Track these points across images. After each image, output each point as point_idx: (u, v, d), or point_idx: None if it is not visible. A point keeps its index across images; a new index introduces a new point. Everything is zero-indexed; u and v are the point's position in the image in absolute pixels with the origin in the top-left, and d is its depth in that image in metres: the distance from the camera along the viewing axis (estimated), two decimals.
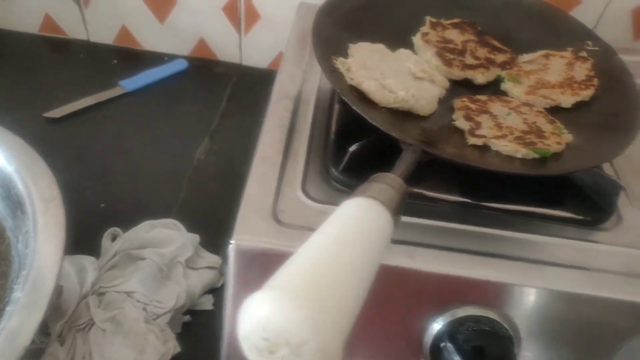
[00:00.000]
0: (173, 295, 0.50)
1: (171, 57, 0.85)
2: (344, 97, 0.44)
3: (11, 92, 0.75)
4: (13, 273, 0.50)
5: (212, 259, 0.56)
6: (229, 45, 0.84)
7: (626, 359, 0.40)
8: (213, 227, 0.59)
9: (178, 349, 0.47)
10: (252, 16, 0.79)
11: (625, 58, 0.69)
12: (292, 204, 0.42)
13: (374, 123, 0.41)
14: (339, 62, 0.48)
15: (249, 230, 0.40)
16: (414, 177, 0.37)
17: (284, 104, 0.52)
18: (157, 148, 0.70)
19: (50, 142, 0.67)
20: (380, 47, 0.52)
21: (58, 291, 0.47)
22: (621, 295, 0.38)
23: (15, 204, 0.49)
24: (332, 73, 0.46)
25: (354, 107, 0.43)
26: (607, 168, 0.49)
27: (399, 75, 0.49)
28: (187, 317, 0.52)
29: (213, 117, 0.76)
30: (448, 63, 0.53)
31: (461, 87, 0.52)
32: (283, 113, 0.51)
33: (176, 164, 0.68)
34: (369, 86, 0.46)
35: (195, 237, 0.56)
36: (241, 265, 0.39)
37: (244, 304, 0.23)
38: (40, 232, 0.45)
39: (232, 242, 0.39)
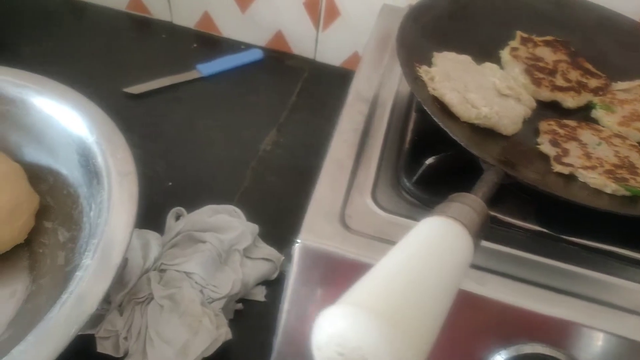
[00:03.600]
0: (229, 281, 0.51)
1: (248, 46, 0.86)
2: (425, 107, 0.42)
3: (95, 66, 0.78)
4: (82, 239, 0.52)
5: (268, 250, 0.56)
6: (305, 40, 0.84)
7: None
8: (272, 220, 0.59)
9: (230, 336, 0.48)
10: (332, 13, 0.79)
11: None
12: (361, 211, 0.41)
13: (454, 137, 0.40)
14: (422, 71, 0.47)
15: (315, 232, 0.39)
16: (495, 200, 0.35)
17: (359, 107, 0.51)
18: (225, 134, 0.72)
19: (128, 117, 0.68)
20: (465, 59, 0.51)
21: (124, 263, 0.49)
22: None
23: (92, 174, 0.51)
24: (415, 81, 0.45)
25: (435, 119, 0.42)
26: None
27: (483, 90, 0.47)
28: (240, 305, 0.53)
29: (282, 110, 0.76)
30: (537, 82, 0.51)
31: (548, 109, 0.50)
32: (357, 116, 0.50)
33: (242, 152, 0.69)
34: (452, 99, 0.44)
35: (254, 227, 0.57)
36: (305, 265, 0.39)
37: (321, 315, 0.23)
38: (113, 204, 0.47)
39: (299, 241, 0.39)
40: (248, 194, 0.65)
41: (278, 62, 0.85)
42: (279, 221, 0.58)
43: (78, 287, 0.42)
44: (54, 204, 0.56)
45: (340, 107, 0.51)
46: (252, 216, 0.59)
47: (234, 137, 0.71)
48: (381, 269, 0.25)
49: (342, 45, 0.83)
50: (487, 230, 0.31)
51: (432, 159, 0.42)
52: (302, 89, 0.80)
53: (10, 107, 0.56)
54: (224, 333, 0.47)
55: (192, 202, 0.59)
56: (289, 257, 0.40)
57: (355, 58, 0.82)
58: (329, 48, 0.84)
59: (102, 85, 0.72)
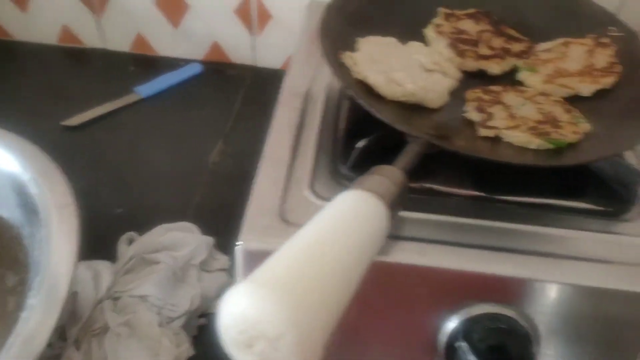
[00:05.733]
0: (187, 298, 0.50)
1: (186, 62, 0.85)
2: (349, 91, 0.43)
3: (31, 103, 0.77)
4: (30, 280, 0.51)
5: (224, 260, 0.55)
6: (242, 47, 0.84)
7: None
8: (228, 229, 0.58)
9: (191, 352, 0.47)
10: (264, 17, 0.79)
11: None
12: (301, 204, 0.41)
13: (379, 117, 0.40)
14: (346, 57, 0.47)
15: (256, 231, 0.39)
16: (425, 171, 0.36)
17: (293, 103, 0.51)
18: (172, 152, 0.71)
19: (69, 149, 0.68)
20: (390, 41, 0.51)
21: (72, 297, 0.48)
22: None
23: (31, 212, 0.50)
24: (338, 67, 0.45)
25: (360, 101, 0.42)
26: (630, 156, 0.47)
27: (408, 68, 0.47)
28: (203, 320, 0.52)
29: (227, 120, 0.76)
30: (461, 54, 0.51)
31: (475, 78, 0.51)
32: (291, 112, 0.50)
33: (191, 168, 0.69)
34: (375, 79, 0.44)
35: (209, 240, 0.56)
36: (248, 267, 0.39)
37: (224, 297, 0.23)
38: (54, 239, 0.46)
39: (239, 243, 0.38)
40: (201, 207, 0.64)
41: (218, 74, 0.84)
42: (234, 230, 0.57)
43: (24, 328, 0.41)
44: None
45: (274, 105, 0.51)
46: (207, 229, 0.58)
47: (181, 154, 0.71)
48: (287, 247, 0.25)
49: (280, 47, 0.83)
50: (406, 198, 0.31)
51: (364, 142, 0.42)
52: (245, 97, 0.80)
53: None
54: (185, 350, 0.46)
55: (146, 225, 0.58)
56: (234, 262, 0.40)
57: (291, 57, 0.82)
58: (267, 52, 0.84)
59: (41, 122, 0.71)
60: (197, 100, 0.79)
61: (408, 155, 0.35)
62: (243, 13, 0.79)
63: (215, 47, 0.85)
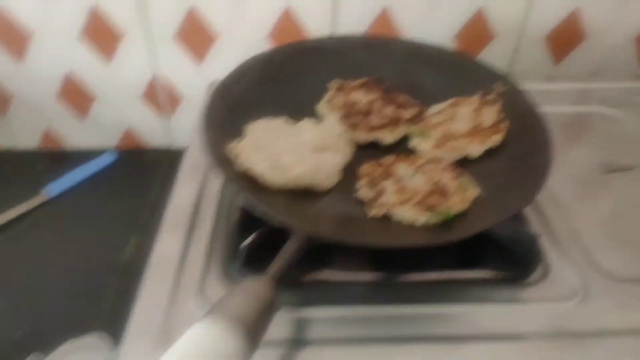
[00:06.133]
0: None
1: (100, 152, 0.82)
2: (232, 185, 0.41)
3: None
4: None
5: None
6: (156, 131, 0.82)
7: None
8: None
9: None
10: (174, 98, 0.78)
11: (547, 87, 0.69)
12: (186, 319, 0.38)
13: (261, 210, 0.38)
14: (231, 146, 0.45)
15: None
16: (319, 259, 0.34)
17: (186, 197, 0.49)
18: (81, 256, 0.66)
19: None
20: (279, 123, 0.50)
21: None
22: None
23: None
24: (221, 161, 0.44)
25: (243, 194, 0.40)
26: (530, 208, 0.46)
27: (296, 151, 0.46)
28: None
29: (142, 211, 0.73)
30: (353, 127, 0.51)
31: (369, 150, 0.50)
32: (184, 208, 0.48)
33: (102, 270, 0.64)
34: (258, 169, 0.43)
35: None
36: None
37: None
38: None
39: None
40: (113, 314, 0.59)
41: (134, 161, 0.82)
42: None
43: None
44: None
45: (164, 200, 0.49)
46: (120, 337, 0.54)
47: (91, 256, 0.66)
48: None
49: (194, 127, 0.81)
50: (273, 310, 0.29)
51: (250, 239, 0.40)
52: (162, 183, 0.77)
53: None
54: None
55: (53, 342, 0.53)
56: None
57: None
58: (182, 133, 0.82)
59: None
60: (112, 193, 0.76)
61: (285, 256, 0.33)
62: (151, 97, 0.78)
63: (129, 134, 0.82)
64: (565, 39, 0.72)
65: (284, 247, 0.35)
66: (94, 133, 0.82)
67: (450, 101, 0.54)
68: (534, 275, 0.41)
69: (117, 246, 0.67)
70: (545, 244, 0.43)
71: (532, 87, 0.68)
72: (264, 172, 0.43)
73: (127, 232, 0.69)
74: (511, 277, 0.41)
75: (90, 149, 0.83)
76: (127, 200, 0.75)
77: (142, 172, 0.80)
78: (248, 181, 0.43)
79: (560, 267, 0.41)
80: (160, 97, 0.78)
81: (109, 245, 0.67)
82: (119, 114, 0.80)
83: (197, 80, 0.76)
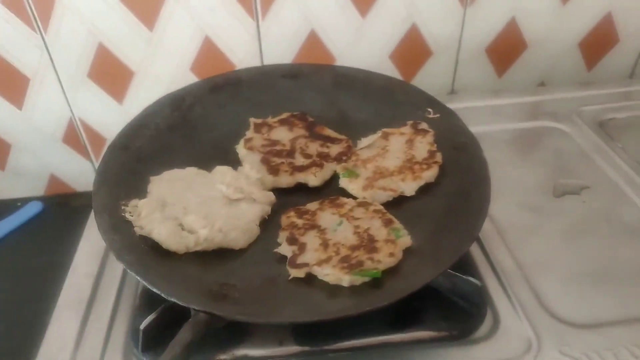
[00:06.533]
0: None
1: (25, 201, 0.75)
2: (120, 261, 0.35)
3: None
4: None
5: None
6: (83, 175, 0.76)
7: None
8: None
9: None
10: (98, 140, 0.72)
11: (493, 102, 0.66)
12: None
13: (152, 289, 0.33)
14: (129, 208, 0.40)
15: None
16: (236, 333, 0.29)
17: (85, 268, 0.43)
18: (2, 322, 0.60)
19: None
20: (189, 172, 0.45)
21: None
22: None
23: None
24: (111, 229, 0.38)
25: (132, 272, 0.35)
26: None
27: (206, 205, 0.41)
28: None
29: (70, 263, 0.66)
30: (274, 170, 0.46)
31: (295, 194, 0.45)
32: (82, 283, 0.42)
33: (26, 339, 0.58)
34: (160, 234, 0.38)
35: None
36: None
37: None
38: None
39: None
40: None
41: (62, 207, 0.75)
42: None
43: None
44: None
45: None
46: None
47: (12, 323, 0.60)
48: None
49: None
50: None
51: (150, 319, 0.35)
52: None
53: None
54: None
55: None
56: None
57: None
58: None
59: None
60: (39, 245, 0.69)
61: (182, 342, 0.28)
62: (72, 140, 0.72)
63: (54, 180, 0.76)
64: (505, 49, 0.69)
65: (180, 332, 0.30)
66: (15, 182, 0.76)
67: (379, 133, 0.49)
68: (482, 329, 0.37)
69: (41, 309, 0.60)
70: (493, 291, 0.39)
71: (477, 104, 0.66)
72: (164, 238, 0.38)
73: (51, 291, 0.63)
74: (456, 334, 0.36)
75: (15, 199, 0.76)
76: (53, 253, 0.68)
77: (72, 218, 0.73)
78: (150, 247, 0.37)
79: (510, 317, 0.37)
80: (82, 139, 0.72)
81: (32, 309, 0.60)
82: (42, 160, 0.74)
83: (121, 119, 0.69)
